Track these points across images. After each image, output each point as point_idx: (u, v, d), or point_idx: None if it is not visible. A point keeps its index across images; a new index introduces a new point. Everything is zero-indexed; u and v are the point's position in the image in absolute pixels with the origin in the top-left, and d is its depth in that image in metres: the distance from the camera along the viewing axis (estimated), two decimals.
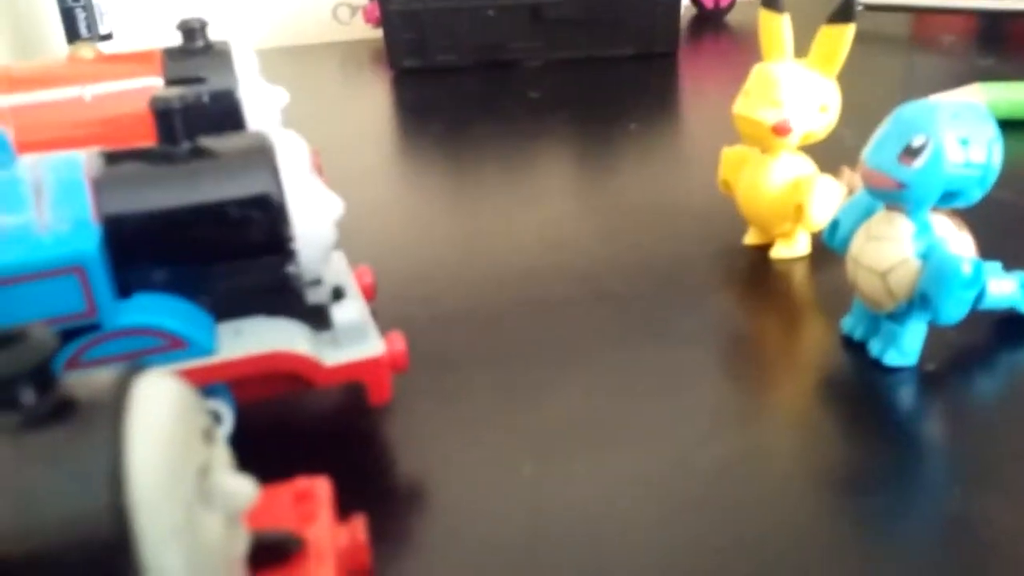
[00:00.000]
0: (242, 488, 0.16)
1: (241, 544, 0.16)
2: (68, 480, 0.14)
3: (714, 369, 0.33)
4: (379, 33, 0.74)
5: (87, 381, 0.16)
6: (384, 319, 0.32)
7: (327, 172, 0.39)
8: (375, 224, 0.46)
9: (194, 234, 0.26)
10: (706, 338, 0.34)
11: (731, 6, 0.83)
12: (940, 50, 0.72)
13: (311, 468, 0.21)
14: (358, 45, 0.81)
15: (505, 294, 0.38)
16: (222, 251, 0.27)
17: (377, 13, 0.74)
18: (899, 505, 0.26)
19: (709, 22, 0.83)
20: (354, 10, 0.81)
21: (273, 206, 0.27)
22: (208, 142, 0.28)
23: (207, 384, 0.26)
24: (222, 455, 0.17)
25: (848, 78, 0.38)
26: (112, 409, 0.15)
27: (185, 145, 0.27)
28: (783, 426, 0.30)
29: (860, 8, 0.76)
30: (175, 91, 0.27)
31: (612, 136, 0.57)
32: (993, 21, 0.76)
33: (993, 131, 0.29)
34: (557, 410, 0.31)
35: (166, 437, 0.15)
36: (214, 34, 0.39)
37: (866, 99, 0.44)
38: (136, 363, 0.16)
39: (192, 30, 0.39)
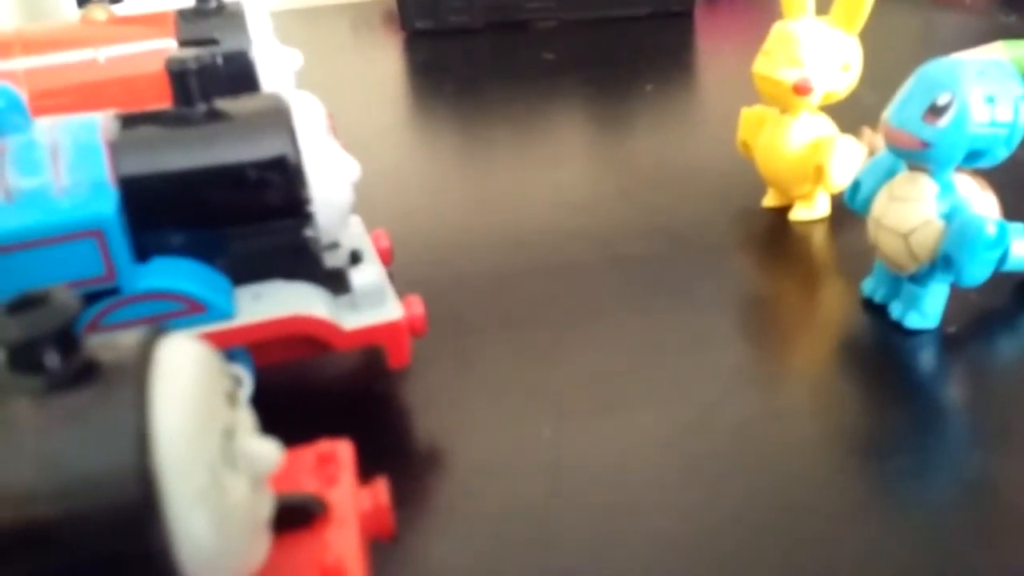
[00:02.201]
0: (267, 451, 0.16)
1: (266, 507, 0.17)
2: (94, 443, 0.14)
3: (733, 331, 0.33)
4: None
5: (110, 344, 0.15)
6: (401, 282, 0.32)
7: (340, 135, 0.39)
8: (390, 187, 0.46)
9: (211, 197, 0.26)
10: (725, 300, 0.34)
11: None
12: (961, 8, 0.70)
13: (330, 432, 0.21)
14: (370, 6, 0.80)
15: (522, 256, 0.38)
16: (240, 214, 0.27)
17: None
18: (919, 467, 0.26)
19: None
20: None
21: (290, 168, 0.27)
22: (224, 104, 0.27)
23: (226, 348, 0.26)
24: (246, 418, 0.17)
25: (867, 37, 0.37)
26: (136, 372, 0.15)
27: (201, 107, 0.27)
28: (802, 388, 0.30)
29: None
30: (190, 52, 0.27)
31: (628, 97, 0.56)
32: None
33: (1020, 89, 0.29)
34: (576, 372, 0.30)
35: (190, 399, 0.15)
36: None
37: (886, 58, 0.43)
38: (159, 326, 0.16)
39: None
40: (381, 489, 0.20)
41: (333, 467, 0.20)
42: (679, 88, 0.59)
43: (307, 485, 0.19)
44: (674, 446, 0.27)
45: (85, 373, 0.15)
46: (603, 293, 0.35)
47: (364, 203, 0.32)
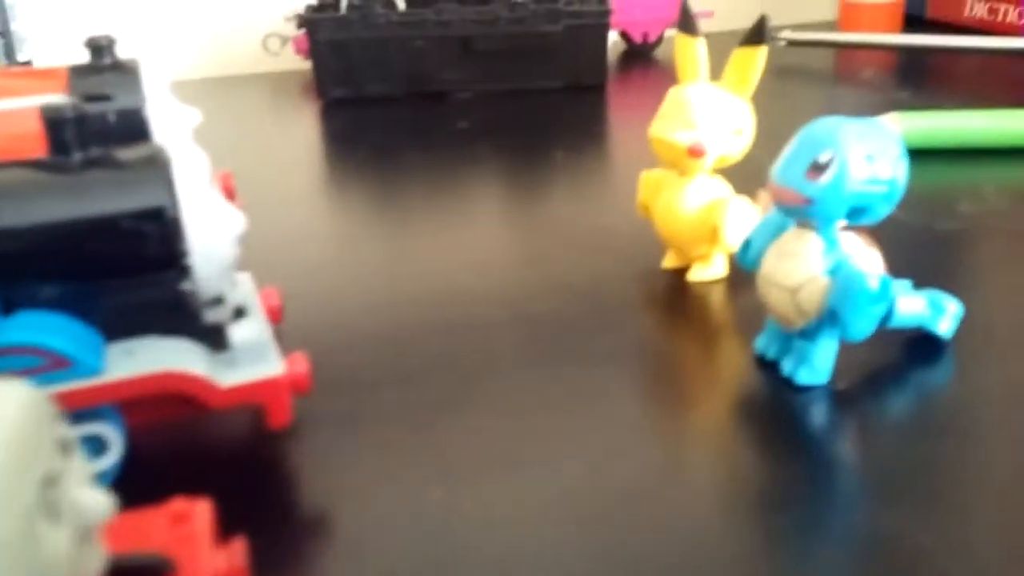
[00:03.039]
0: (94, 501, 0.15)
1: (94, 563, 0.15)
2: None
3: (629, 388, 0.32)
4: (309, 64, 0.74)
5: None
6: (296, 342, 0.31)
7: (251, 199, 0.38)
8: (296, 249, 0.45)
9: (82, 248, 0.25)
10: (622, 358, 0.34)
11: (659, 41, 0.84)
12: (860, 83, 0.73)
13: (207, 494, 0.20)
14: (288, 76, 0.81)
15: (423, 318, 0.37)
16: (113, 267, 0.26)
17: (307, 44, 0.73)
18: (812, 521, 0.26)
19: (638, 56, 0.83)
20: (284, 41, 0.80)
21: (167, 220, 0.26)
22: (101, 153, 0.26)
23: (94, 405, 0.25)
24: (79, 468, 0.16)
25: (771, 108, 0.38)
26: None
27: (76, 156, 0.26)
28: (696, 444, 0.30)
29: (784, 43, 0.77)
30: (68, 101, 0.26)
31: (539, 164, 0.57)
32: (911, 56, 0.78)
33: (898, 148, 0.30)
34: (468, 431, 0.30)
35: (2, 443, 0.14)
36: (123, 53, 0.38)
37: (788, 127, 0.44)
38: None
39: (100, 47, 0.38)
40: (237, 549, 0.19)
41: (188, 526, 0.19)
42: (589, 155, 0.60)
43: (158, 544, 0.18)
44: (567, 501, 0.26)
45: None
46: (503, 351, 0.35)
47: (267, 262, 0.32)
